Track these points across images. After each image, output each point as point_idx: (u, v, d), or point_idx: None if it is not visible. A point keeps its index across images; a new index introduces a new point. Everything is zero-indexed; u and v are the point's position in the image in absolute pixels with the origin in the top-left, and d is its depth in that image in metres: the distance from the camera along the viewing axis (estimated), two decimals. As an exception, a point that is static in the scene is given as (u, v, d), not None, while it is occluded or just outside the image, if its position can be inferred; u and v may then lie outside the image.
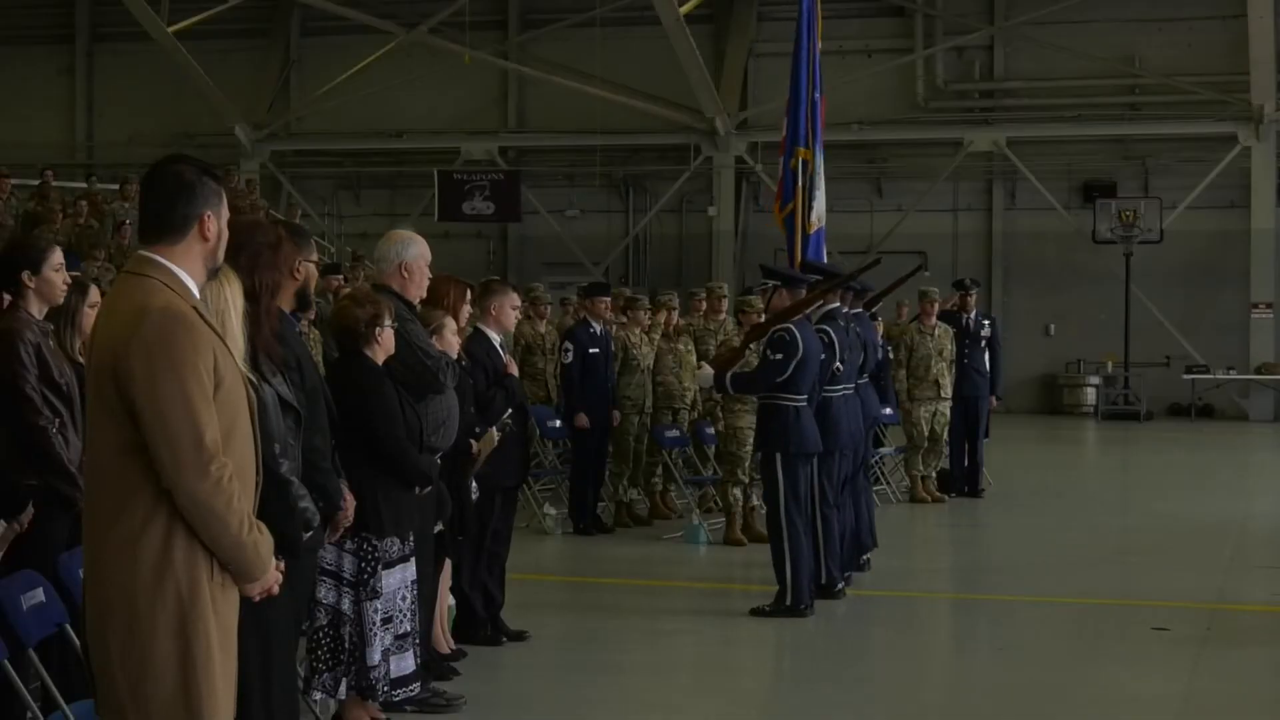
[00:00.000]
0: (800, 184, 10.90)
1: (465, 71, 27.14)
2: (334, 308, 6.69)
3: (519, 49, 29.23)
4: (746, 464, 11.51)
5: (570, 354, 12.21)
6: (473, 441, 7.30)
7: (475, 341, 7.72)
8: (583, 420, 12.10)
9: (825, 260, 11.61)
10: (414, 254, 6.76)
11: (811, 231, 11.15)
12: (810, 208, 11.03)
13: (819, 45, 11.62)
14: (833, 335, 9.46)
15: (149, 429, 3.63)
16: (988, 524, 13.77)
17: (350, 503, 5.69)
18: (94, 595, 3.70)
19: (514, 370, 8.01)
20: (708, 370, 9.54)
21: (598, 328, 12.32)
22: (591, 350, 12.17)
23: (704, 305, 14.08)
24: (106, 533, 3.67)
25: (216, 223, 3.83)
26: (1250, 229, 26.29)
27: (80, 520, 3.97)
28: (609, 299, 12.63)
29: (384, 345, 6.26)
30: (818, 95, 11.28)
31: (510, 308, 7.99)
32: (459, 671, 7.35)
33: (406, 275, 6.74)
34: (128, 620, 3.64)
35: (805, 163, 10.96)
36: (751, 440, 10.83)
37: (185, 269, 3.79)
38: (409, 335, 6.54)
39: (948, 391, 14.38)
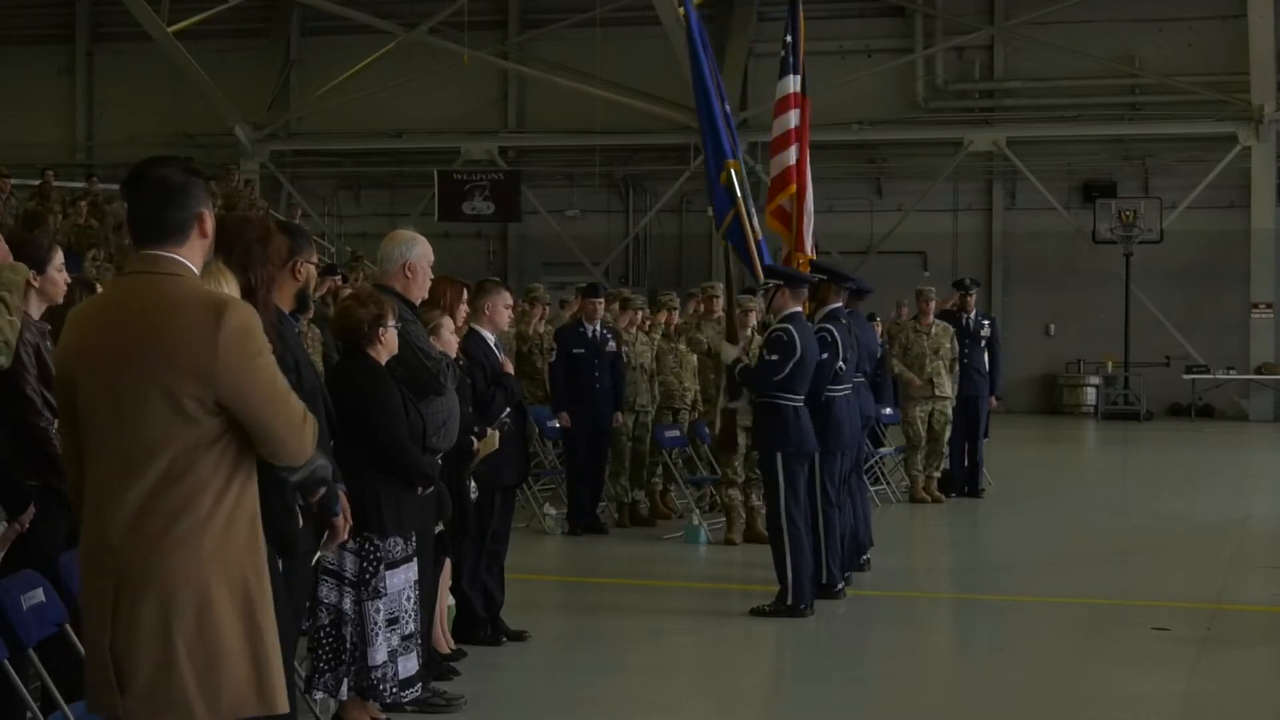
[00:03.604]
0: (739, 193, 10.85)
1: (465, 71, 27.15)
2: (337, 307, 6.68)
3: (519, 49, 29.24)
4: (737, 463, 11.53)
5: (555, 354, 12.29)
6: (473, 438, 7.30)
7: (471, 341, 7.73)
8: (564, 419, 12.13)
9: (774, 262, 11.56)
10: (417, 254, 6.76)
11: (759, 238, 11.12)
12: (750, 214, 11.01)
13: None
14: (835, 335, 9.48)
15: (262, 415, 3.67)
16: (988, 524, 13.77)
17: (347, 508, 5.69)
18: (140, 596, 3.62)
19: (510, 369, 8.02)
20: (729, 348, 9.59)
21: (589, 328, 12.31)
22: (576, 350, 12.18)
23: (701, 307, 14.10)
24: (167, 530, 3.62)
25: (211, 217, 3.85)
26: (1250, 229, 26.30)
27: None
28: (600, 300, 12.59)
29: (387, 345, 6.25)
30: (728, 107, 11.26)
31: (503, 307, 8.01)
32: (459, 671, 7.35)
33: (410, 276, 6.74)
34: (197, 611, 3.62)
35: (734, 173, 10.94)
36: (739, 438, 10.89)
37: (196, 267, 3.82)
38: (410, 336, 6.54)
39: (945, 390, 14.35)
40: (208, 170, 21.70)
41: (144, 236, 3.79)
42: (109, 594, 3.66)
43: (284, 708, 3.78)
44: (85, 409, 3.75)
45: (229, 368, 3.64)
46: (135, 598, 3.64)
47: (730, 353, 9.49)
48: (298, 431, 3.76)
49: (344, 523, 5.75)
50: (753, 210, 10.94)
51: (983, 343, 15.03)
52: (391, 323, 6.26)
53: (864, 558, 10.50)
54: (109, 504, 3.69)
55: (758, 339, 10.43)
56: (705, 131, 10.86)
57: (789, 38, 11.70)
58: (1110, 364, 26.77)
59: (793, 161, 11.44)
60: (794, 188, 11.37)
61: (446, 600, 7.72)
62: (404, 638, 6.33)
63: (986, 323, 15.33)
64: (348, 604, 6.23)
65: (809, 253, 11.36)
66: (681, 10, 11.96)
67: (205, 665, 3.64)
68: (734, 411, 10.39)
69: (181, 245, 3.78)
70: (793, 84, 11.60)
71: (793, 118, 11.52)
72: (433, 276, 6.93)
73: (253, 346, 3.69)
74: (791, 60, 11.64)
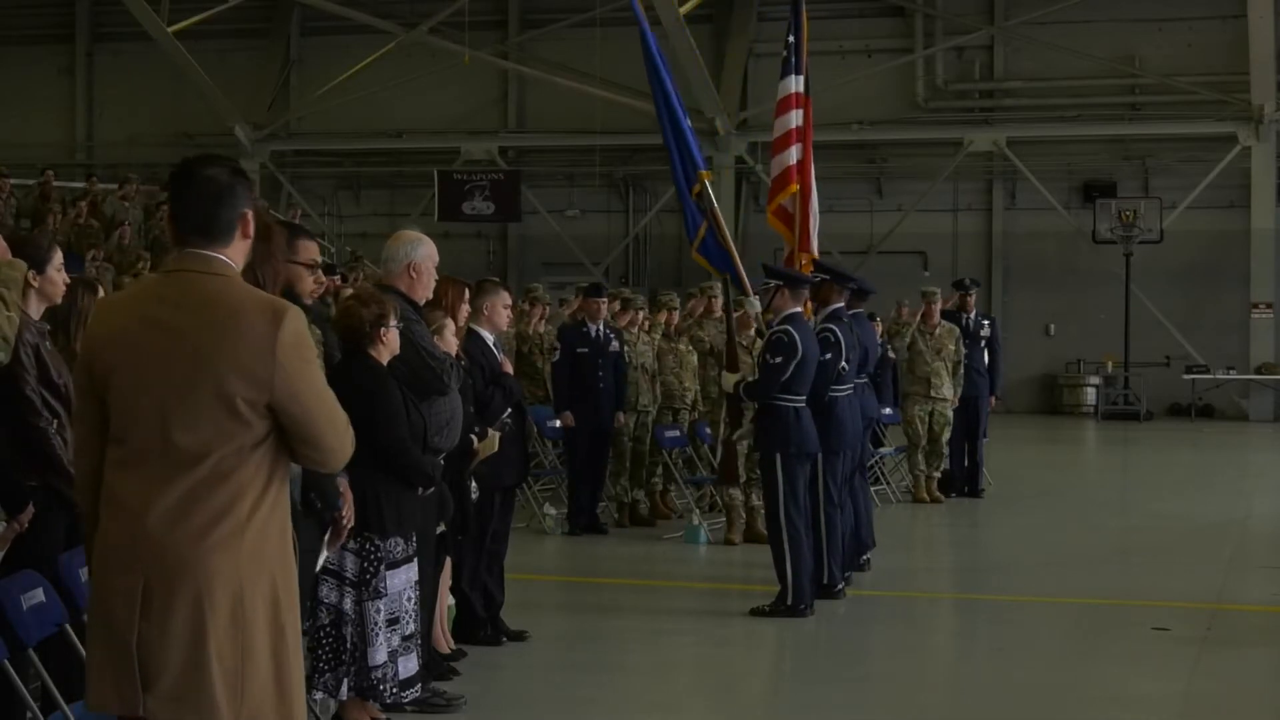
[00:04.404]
0: (715, 206, 10.91)
1: (465, 71, 27.15)
2: (339, 307, 6.68)
3: (519, 49, 29.24)
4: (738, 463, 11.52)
5: (558, 353, 12.29)
6: (474, 437, 7.31)
7: (470, 341, 7.73)
8: (567, 419, 12.11)
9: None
10: (422, 254, 6.75)
11: (729, 250, 11.19)
12: (723, 226, 11.06)
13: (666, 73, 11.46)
14: (838, 334, 9.48)
15: (313, 421, 3.70)
16: (988, 524, 13.77)
17: (348, 504, 5.70)
18: (174, 594, 3.60)
19: (509, 369, 8.03)
20: (729, 376, 9.58)
21: (592, 328, 12.30)
22: (580, 350, 12.17)
23: (700, 306, 14.10)
24: (209, 529, 3.61)
25: (253, 220, 3.85)
26: (1250, 229, 26.29)
27: (80, 520, 3.92)
28: (604, 299, 12.60)
29: (389, 345, 6.24)
30: (688, 123, 11.32)
31: (502, 307, 8.01)
32: (459, 671, 7.35)
33: (414, 276, 6.73)
34: (230, 612, 3.61)
35: (708, 184, 11.00)
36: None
37: (239, 267, 3.82)
38: (414, 336, 6.53)
39: (943, 392, 14.33)
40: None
41: (190, 234, 3.76)
42: (137, 590, 3.62)
43: (302, 715, 3.77)
44: (122, 402, 3.70)
45: (286, 373, 3.64)
46: (170, 595, 3.61)
47: (731, 380, 9.47)
48: (343, 438, 3.80)
49: (346, 519, 5.76)
50: (723, 223, 10.98)
51: (983, 343, 15.04)
52: (393, 323, 6.25)
53: (864, 558, 10.50)
54: (145, 500, 3.64)
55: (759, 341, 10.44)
56: (672, 146, 10.85)
57: (791, 38, 11.71)
58: (1110, 364, 26.77)
59: (794, 161, 11.45)
60: (795, 187, 11.38)
61: (446, 600, 7.72)
62: (404, 638, 6.32)
63: (986, 323, 15.34)
64: (348, 604, 6.23)
65: (813, 252, 11.37)
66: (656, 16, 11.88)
67: (233, 668, 3.62)
68: (734, 443, 10.42)
69: (227, 245, 3.77)
70: (795, 84, 11.60)
71: (794, 118, 11.53)
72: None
73: (307, 353, 3.71)
74: (794, 60, 11.64)
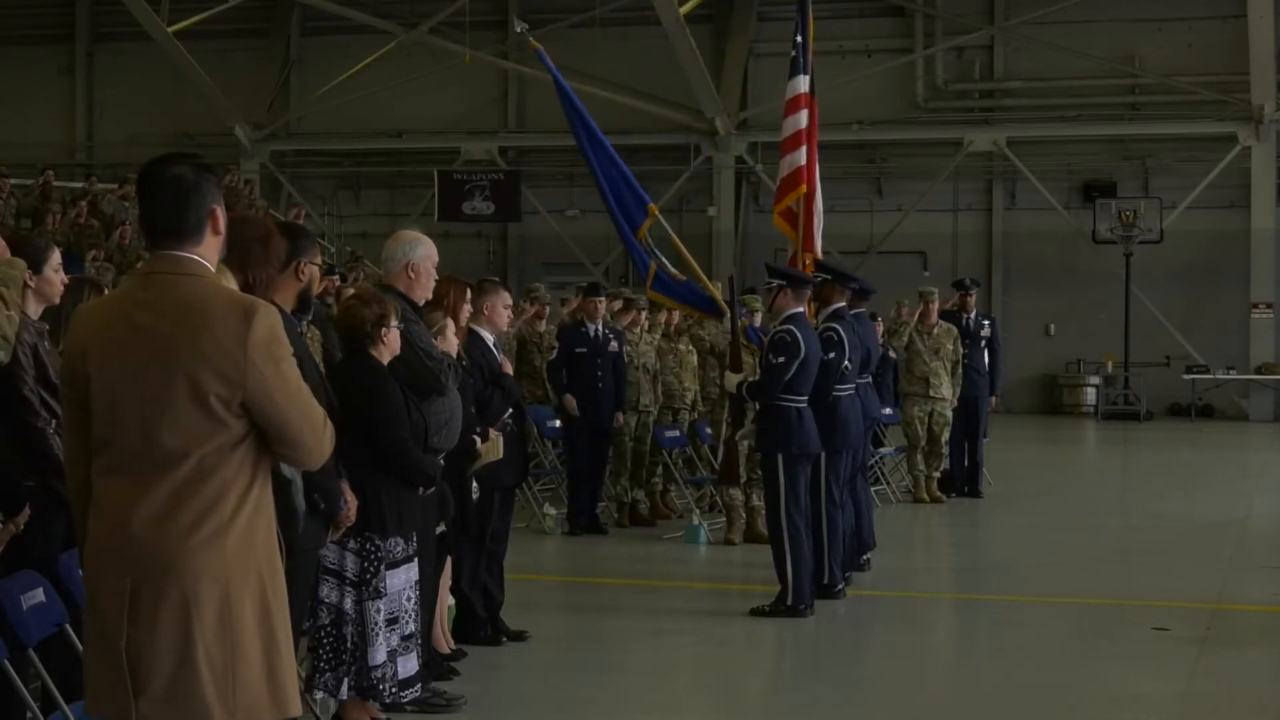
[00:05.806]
0: (672, 234, 11.00)
1: (465, 71, 27.16)
2: (340, 307, 6.68)
3: (519, 49, 29.22)
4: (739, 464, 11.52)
5: (555, 352, 12.31)
6: (476, 438, 7.30)
7: (470, 341, 7.72)
8: (570, 403, 12.06)
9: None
10: (421, 255, 6.75)
11: (682, 280, 11.21)
12: (664, 261, 11.13)
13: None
14: (842, 334, 9.47)
15: (287, 418, 3.67)
16: (988, 524, 13.76)
17: (352, 502, 5.70)
18: (162, 595, 3.59)
19: (509, 369, 8.02)
20: (732, 376, 9.58)
21: (591, 328, 12.30)
22: (579, 350, 12.17)
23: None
24: (194, 529, 3.60)
25: (223, 213, 3.84)
26: (1250, 229, 26.32)
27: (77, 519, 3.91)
28: (602, 299, 12.59)
29: (389, 346, 6.24)
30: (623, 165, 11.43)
31: (502, 307, 8.01)
32: (459, 671, 7.35)
33: (413, 276, 6.72)
34: (218, 612, 3.60)
35: (660, 219, 11.08)
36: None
37: (212, 265, 3.81)
38: (412, 336, 6.53)
39: (942, 391, 14.33)
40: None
41: (160, 236, 3.76)
42: (125, 592, 3.62)
43: (296, 710, 3.77)
44: (104, 408, 3.69)
45: (258, 371, 3.63)
46: (157, 597, 3.60)
47: (734, 380, 9.46)
48: (319, 435, 3.76)
49: (348, 514, 5.77)
50: (664, 260, 11.06)
51: (983, 343, 15.04)
52: (394, 323, 6.25)
53: (864, 558, 10.50)
54: (130, 502, 3.64)
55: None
56: (607, 194, 10.88)
57: (799, 38, 11.70)
58: (1110, 364, 26.78)
59: (803, 162, 11.45)
60: (805, 188, 11.39)
61: (446, 600, 7.72)
62: (404, 638, 6.32)
63: (986, 323, 15.34)
64: (348, 604, 6.23)
65: (817, 252, 11.38)
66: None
67: (223, 667, 3.61)
68: (735, 442, 10.43)
69: (199, 244, 3.76)
70: (803, 84, 11.60)
71: (803, 118, 11.53)
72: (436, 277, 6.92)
73: (280, 350, 3.68)
74: (802, 60, 11.64)
